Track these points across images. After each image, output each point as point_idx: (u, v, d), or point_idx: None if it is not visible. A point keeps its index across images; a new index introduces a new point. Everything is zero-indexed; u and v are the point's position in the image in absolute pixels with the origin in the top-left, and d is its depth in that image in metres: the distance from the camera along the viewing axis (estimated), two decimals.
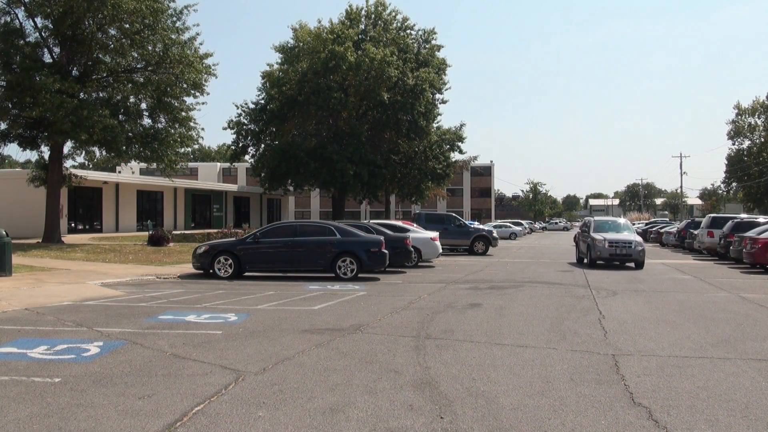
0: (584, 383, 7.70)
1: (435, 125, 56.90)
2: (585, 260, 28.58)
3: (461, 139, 58.09)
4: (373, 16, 54.93)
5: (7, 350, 9.34)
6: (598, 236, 27.13)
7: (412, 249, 25.01)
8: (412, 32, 57.39)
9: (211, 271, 21.10)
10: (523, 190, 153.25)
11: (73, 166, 40.58)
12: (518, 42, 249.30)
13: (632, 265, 26.67)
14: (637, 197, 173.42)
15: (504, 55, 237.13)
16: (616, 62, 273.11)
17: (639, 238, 27.59)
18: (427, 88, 51.63)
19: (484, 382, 7.69)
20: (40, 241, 33.32)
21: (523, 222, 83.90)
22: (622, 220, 31.90)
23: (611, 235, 27.15)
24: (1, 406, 6.62)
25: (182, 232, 48.74)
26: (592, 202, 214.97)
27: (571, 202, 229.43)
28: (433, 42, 57.98)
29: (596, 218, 31.06)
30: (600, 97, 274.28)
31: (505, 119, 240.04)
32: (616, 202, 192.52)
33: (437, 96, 56.29)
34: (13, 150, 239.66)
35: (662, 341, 10.52)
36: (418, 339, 10.34)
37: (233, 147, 56.13)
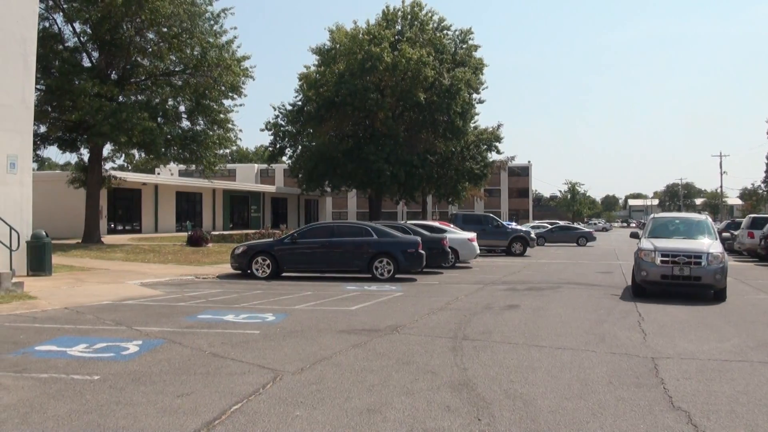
0: (623, 386, 7.60)
1: (472, 125, 56.61)
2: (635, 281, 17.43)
3: (499, 139, 57.75)
4: (409, 16, 54.82)
5: (47, 348, 9.48)
6: (647, 245, 17.03)
7: (449, 250, 24.94)
8: (449, 32, 57.19)
9: (249, 271, 21.26)
10: (561, 191, 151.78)
11: (113, 168, 41.16)
12: (557, 41, 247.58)
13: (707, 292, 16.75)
14: (676, 197, 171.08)
15: (542, 54, 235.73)
16: (656, 60, 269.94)
17: (718, 248, 16.63)
18: (463, 87, 51.39)
19: (521, 384, 7.63)
20: (80, 241, 33.82)
21: (560, 223, 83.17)
22: (698, 218, 20.23)
23: (670, 243, 17.12)
24: (41, 403, 6.73)
25: (221, 232, 49.14)
26: (632, 202, 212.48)
27: (609, 202, 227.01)
28: (470, 42, 57.71)
29: (659, 215, 21.07)
30: (639, 95, 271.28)
31: (543, 119, 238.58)
32: (656, 202, 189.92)
33: (474, 96, 56.04)
34: (52, 152, 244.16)
35: (702, 344, 10.37)
36: (455, 340, 10.30)
37: (271, 148, 56.47)
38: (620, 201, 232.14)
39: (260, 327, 11.44)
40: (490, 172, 59.86)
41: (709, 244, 16.83)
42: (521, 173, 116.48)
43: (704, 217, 19.57)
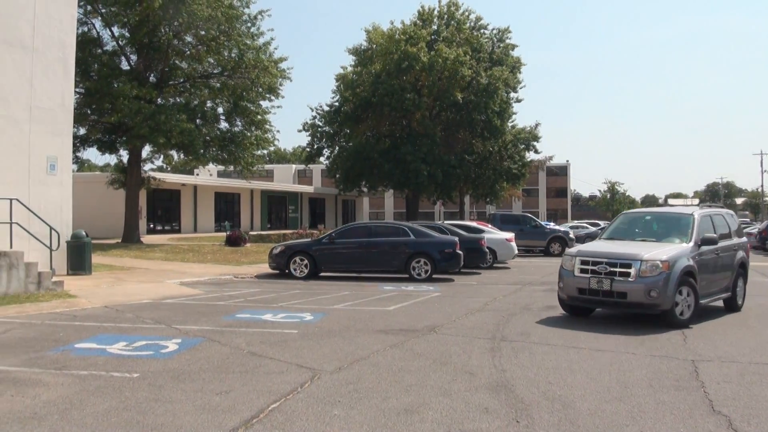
0: (663, 389, 7.48)
1: (510, 124, 56.32)
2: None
3: (537, 138, 57.34)
4: (445, 16, 54.70)
5: (87, 346, 9.62)
6: (575, 248, 13.75)
7: (487, 250, 24.81)
8: (486, 32, 57.01)
9: (287, 271, 21.37)
10: (600, 190, 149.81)
11: (152, 169, 41.69)
12: (595, 38, 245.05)
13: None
14: (717, 197, 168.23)
15: (581, 52, 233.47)
16: (695, 56, 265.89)
17: (672, 253, 12.18)
18: (501, 87, 51.13)
19: (560, 386, 7.55)
20: (119, 241, 34.29)
21: (600, 223, 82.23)
22: (679, 214, 14.45)
23: (606, 246, 13.15)
24: (81, 400, 6.82)
25: (259, 232, 49.46)
26: (671, 202, 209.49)
27: (650, 201, 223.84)
28: (507, 41, 57.48)
29: (631, 211, 16.49)
30: (678, 92, 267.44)
31: (582, 117, 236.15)
32: (696, 201, 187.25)
33: (512, 95, 55.79)
34: (92, 154, 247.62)
35: (743, 347, 10.17)
36: (493, 341, 10.23)
37: (308, 149, 56.73)
38: (660, 201, 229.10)
39: (298, 326, 11.48)
40: (528, 171, 59.48)
41: (665, 250, 12.30)
42: (559, 173, 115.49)
43: (690, 213, 13.77)
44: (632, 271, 11.83)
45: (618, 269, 11.99)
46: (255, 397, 6.93)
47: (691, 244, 12.70)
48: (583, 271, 12.42)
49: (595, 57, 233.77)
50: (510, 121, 56.10)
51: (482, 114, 51.17)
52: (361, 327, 11.47)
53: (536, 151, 58.58)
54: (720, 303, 14.20)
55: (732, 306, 14.09)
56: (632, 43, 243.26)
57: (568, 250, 14.03)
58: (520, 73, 56.91)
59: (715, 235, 13.19)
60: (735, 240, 14.46)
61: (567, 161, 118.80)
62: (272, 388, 7.25)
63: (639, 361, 8.99)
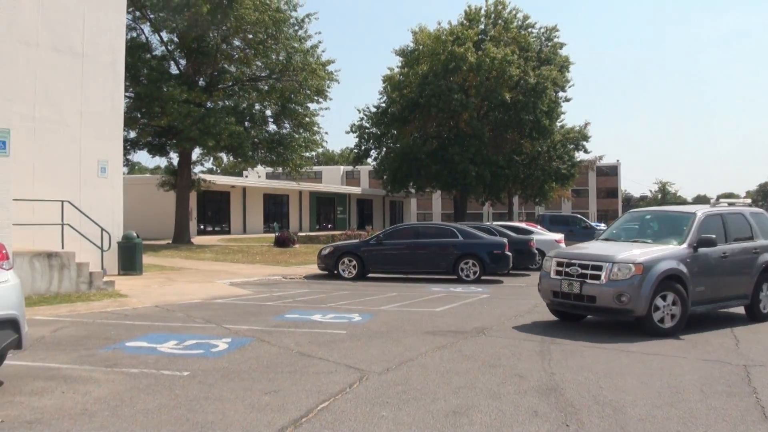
0: (715, 395, 7.30)
1: (559, 124, 55.86)
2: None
3: (586, 138, 56.80)
4: (492, 15, 54.47)
5: (138, 344, 9.76)
6: (552, 253, 12.92)
7: (536, 251, 24.56)
8: (534, 30, 56.63)
9: (335, 272, 21.44)
10: (651, 190, 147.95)
11: (202, 171, 42.28)
12: (645, 35, 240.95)
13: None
14: None
15: (631, 50, 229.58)
16: (748, 52, 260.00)
17: (656, 255, 11.32)
18: (549, 86, 50.71)
19: (611, 390, 7.41)
20: (170, 242, 34.84)
21: None
22: (683, 212, 13.10)
23: (592, 248, 12.62)
24: (131, 397, 6.91)
25: (307, 233, 49.75)
26: (723, 201, 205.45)
27: (701, 202, 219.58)
28: (555, 39, 57.03)
29: (636, 210, 15.44)
30: (729, 90, 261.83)
31: (633, 116, 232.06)
32: (748, 201, 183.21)
33: (560, 94, 55.33)
34: (142, 157, 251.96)
35: None
36: (542, 343, 10.11)
37: (356, 150, 57.00)
38: (711, 201, 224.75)
39: (346, 327, 11.49)
40: (578, 171, 58.89)
41: (645, 252, 11.46)
42: (610, 173, 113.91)
43: (692, 212, 12.54)
44: (602, 273, 11.13)
45: (589, 271, 11.33)
46: (304, 396, 6.95)
47: (684, 245, 11.69)
48: (557, 273, 11.84)
49: (647, 54, 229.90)
50: (559, 120, 55.65)
51: (531, 114, 50.81)
52: (409, 328, 11.43)
53: (586, 151, 58.06)
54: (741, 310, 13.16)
55: (754, 314, 12.75)
56: (683, 40, 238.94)
57: (551, 252, 13.14)
58: (568, 72, 56.43)
59: (712, 236, 11.76)
60: (759, 242, 12.92)
61: (617, 161, 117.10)
62: (321, 388, 7.27)
63: (690, 365, 8.80)
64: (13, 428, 5.91)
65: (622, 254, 11.34)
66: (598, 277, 11.14)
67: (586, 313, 12.13)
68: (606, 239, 13.36)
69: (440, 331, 11.15)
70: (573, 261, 11.70)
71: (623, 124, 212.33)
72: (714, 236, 11.84)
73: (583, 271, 11.38)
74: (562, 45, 56.99)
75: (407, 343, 9.97)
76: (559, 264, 11.91)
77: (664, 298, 11.00)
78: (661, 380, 7.93)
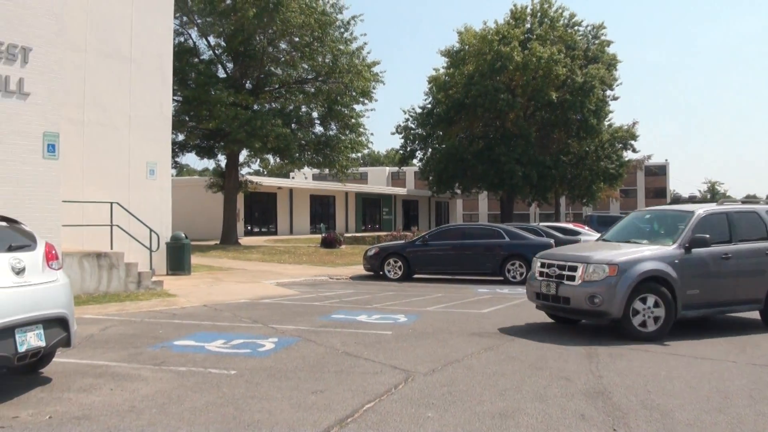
0: (764, 400, 7.12)
1: (606, 123, 55.11)
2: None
3: (634, 137, 56.01)
4: (539, 14, 53.97)
5: (186, 343, 9.89)
6: (539, 254, 12.58)
7: None
8: (580, 28, 56.00)
9: (381, 272, 21.48)
10: (700, 190, 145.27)
11: (249, 173, 42.79)
12: (694, 32, 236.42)
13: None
14: None
15: (680, 47, 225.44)
16: None
17: (638, 256, 10.98)
18: (596, 85, 50.06)
19: (658, 394, 7.28)
20: (218, 243, 35.28)
21: None
22: (682, 211, 12.47)
23: (581, 250, 12.24)
24: (179, 395, 7.00)
25: (353, 234, 50.01)
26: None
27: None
28: (602, 37, 56.32)
29: (641, 210, 15.07)
30: None
31: (681, 115, 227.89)
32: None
33: (608, 93, 54.58)
34: (191, 159, 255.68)
35: None
36: (590, 346, 9.98)
37: (401, 151, 57.06)
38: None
39: (392, 328, 11.49)
40: (626, 171, 58.08)
41: (626, 252, 11.18)
42: (658, 172, 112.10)
43: (691, 210, 12.03)
44: (577, 274, 10.87)
45: (566, 272, 11.07)
46: (350, 396, 6.96)
47: (674, 246, 11.15)
48: (540, 274, 11.63)
49: (696, 50, 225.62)
50: (606, 119, 54.89)
51: (578, 113, 50.27)
52: (455, 329, 11.38)
53: (634, 151, 57.28)
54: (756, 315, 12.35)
55: None
56: (733, 37, 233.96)
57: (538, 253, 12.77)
58: (616, 70, 55.64)
59: (705, 236, 11.08)
60: None
61: (666, 160, 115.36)
62: (367, 389, 7.27)
63: (739, 369, 8.61)
64: (61, 424, 6.03)
65: (600, 255, 11.07)
66: (574, 278, 10.92)
67: (563, 315, 11.82)
68: (604, 240, 13.04)
69: (486, 333, 11.09)
70: (553, 262, 11.49)
71: (672, 122, 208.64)
72: (707, 236, 11.12)
73: (561, 272, 11.17)
74: (609, 43, 56.24)
75: (453, 345, 9.93)
76: (542, 265, 11.73)
77: (644, 300, 10.59)
78: (709, 384, 7.77)
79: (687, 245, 11.11)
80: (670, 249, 11.12)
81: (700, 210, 11.84)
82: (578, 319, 11.93)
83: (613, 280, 10.50)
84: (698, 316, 11.50)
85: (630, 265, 10.67)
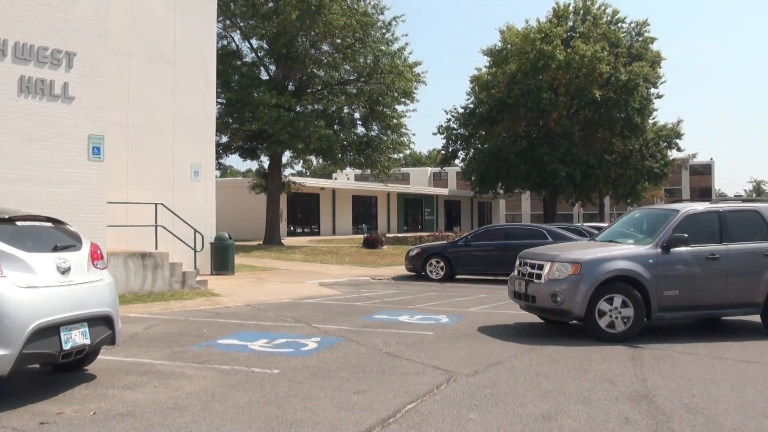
0: None
1: (651, 122, 54.30)
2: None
3: (679, 135, 55.12)
4: (581, 11, 53.38)
5: (230, 342, 10.00)
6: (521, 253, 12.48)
7: None
8: (623, 25, 55.17)
9: (423, 273, 21.46)
10: (745, 190, 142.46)
11: (292, 174, 43.11)
12: (738, 29, 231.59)
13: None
14: None
15: (724, 42, 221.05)
16: None
17: (607, 254, 10.89)
18: (640, 83, 49.27)
19: (703, 398, 7.16)
20: (261, 243, 35.59)
21: None
22: (667, 210, 11.89)
23: (550, 249, 12.46)
24: (222, 393, 7.08)
25: (395, 234, 49.99)
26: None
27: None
28: (646, 34, 55.44)
29: (640, 209, 14.89)
30: None
31: (727, 113, 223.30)
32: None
33: (652, 91, 53.77)
34: (234, 160, 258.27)
35: None
36: (634, 348, 9.85)
37: (443, 151, 56.90)
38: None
39: (434, 328, 11.48)
40: (671, 170, 57.18)
41: (595, 251, 11.08)
42: (703, 171, 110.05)
43: (677, 209, 11.57)
44: (543, 273, 10.87)
45: (535, 271, 11.08)
46: (392, 396, 6.97)
47: (649, 245, 10.88)
48: (518, 273, 11.73)
49: (740, 46, 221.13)
50: (651, 118, 54.07)
51: (622, 112, 49.60)
52: (498, 330, 11.33)
53: (679, 149, 56.40)
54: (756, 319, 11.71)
55: None
56: None
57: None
58: (660, 67, 54.80)
59: (683, 236, 10.73)
60: None
61: (711, 159, 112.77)
62: (408, 389, 7.28)
63: None
64: (105, 420, 6.13)
65: (568, 254, 11.00)
66: (539, 276, 10.93)
67: (539, 315, 11.73)
68: (595, 240, 12.92)
69: (529, 334, 11.03)
70: (528, 261, 11.49)
71: (717, 120, 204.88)
72: (686, 236, 10.75)
73: (531, 271, 11.18)
74: (652, 40, 55.37)
75: (495, 346, 9.88)
76: (519, 264, 11.78)
77: (610, 301, 10.42)
78: (755, 389, 7.61)
79: (665, 245, 10.81)
80: (645, 249, 10.90)
81: (686, 209, 11.47)
82: (564, 321, 11.57)
83: (575, 279, 10.45)
84: (679, 318, 11.37)
85: (595, 264, 10.58)
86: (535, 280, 10.99)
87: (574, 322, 11.00)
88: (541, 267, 11.00)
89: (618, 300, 10.41)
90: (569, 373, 8.22)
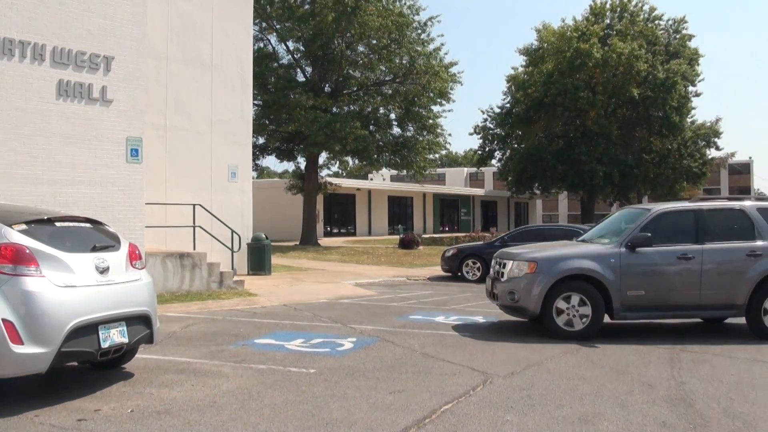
0: None
1: (689, 120, 53.49)
2: None
3: (718, 134, 54.18)
4: (618, 9, 52.81)
5: (266, 341, 10.10)
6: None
7: None
8: (661, 22, 54.41)
9: (459, 274, 21.42)
10: None
11: (328, 175, 43.33)
12: None
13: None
14: None
15: (763, 40, 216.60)
16: None
17: (561, 252, 11.30)
18: (679, 81, 48.52)
19: (741, 402, 7.06)
20: (297, 243, 35.79)
21: None
22: (638, 210, 12.09)
23: (527, 248, 12.35)
24: (258, 392, 7.16)
25: (431, 235, 49.96)
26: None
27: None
28: (684, 31, 54.63)
29: (628, 207, 14.15)
30: None
31: (766, 111, 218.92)
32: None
33: (690, 89, 52.96)
34: (271, 162, 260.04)
35: None
36: (672, 351, 9.73)
37: (479, 152, 56.71)
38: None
39: (470, 329, 11.49)
40: (709, 170, 56.25)
41: (556, 251, 11.37)
42: (742, 170, 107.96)
43: (650, 208, 11.57)
44: (506, 271, 11.15)
45: (501, 269, 11.36)
46: (427, 397, 6.97)
47: (614, 245, 10.87)
48: (491, 271, 12.08)
49: None
50: (689, 116, 53.25)
51: (660, 110, 48.91)
52: (534, 332, 11.25)
53: (717, 148, 55.35)
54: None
55: (761, 331, 10.65)
56: None
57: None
58: (698, 65, 53.97)
59: (646, 235, 10.59)
60: (762, 243, 10.84)
61: (750, 158, 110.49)
62: (444, 390, 7.28)
63: None
64: (143, 418, 6.23)
65: (529, 253, 11.23)
66: (504, 274, 11.21)
67: (506, 312, 11.81)
68: (580, 240, 12.79)
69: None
70: (498, 260, 11.76)
71: (756, 118, 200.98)
72: (648, 235, 10.61)
73: (499, 269, 11.46)
74: (690, 37, 54.55)
75: (533, 347, 9.83)
76: (493, 263, 12.03)
77: (567, 299, 10.46)
78: None
79: (629, 244, 10.71)
80: (608, 248, 10.90)
81: (658, 208, 11.35)
82: (524, 318, 11.68)
83: (530, 277, 10.66)
84: (646, 318, 11.30)
85: (552, 262, 10.74)
86: (499, 278, 11.29)
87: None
88: (505, 266, 11.28)
89: (576, 298, 10.48)
90: (607, 375, 8.16)
